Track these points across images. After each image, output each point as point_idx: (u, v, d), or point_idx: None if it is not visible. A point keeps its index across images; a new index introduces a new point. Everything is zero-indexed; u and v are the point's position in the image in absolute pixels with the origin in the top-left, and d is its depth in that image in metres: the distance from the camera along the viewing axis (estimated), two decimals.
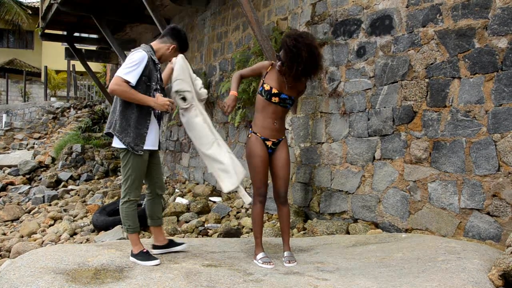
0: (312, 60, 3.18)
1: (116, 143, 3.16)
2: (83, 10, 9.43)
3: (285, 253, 3.36)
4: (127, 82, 2.97)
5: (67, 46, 12.97)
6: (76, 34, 12.43)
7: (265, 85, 3.33)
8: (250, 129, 3.43)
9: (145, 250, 3.17)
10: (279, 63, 3.28)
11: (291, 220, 5.58)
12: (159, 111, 3.22)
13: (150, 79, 3.11)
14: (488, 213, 3.75)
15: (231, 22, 7.78)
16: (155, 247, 3.39)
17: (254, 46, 6.59)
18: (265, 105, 3.34)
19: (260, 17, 6.67)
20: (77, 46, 12.95)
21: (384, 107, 4.71)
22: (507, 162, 3.62)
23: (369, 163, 4.84)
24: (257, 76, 3.51)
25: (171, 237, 3.43)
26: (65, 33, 12.46)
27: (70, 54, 13.07)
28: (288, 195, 5.98)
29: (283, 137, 3.41)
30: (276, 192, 3.46)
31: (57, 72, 22.90)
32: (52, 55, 23.33)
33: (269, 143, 3.36)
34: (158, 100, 3.10)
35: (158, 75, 3.21)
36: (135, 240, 3.21)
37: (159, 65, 3.23)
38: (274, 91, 3.29)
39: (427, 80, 4.29)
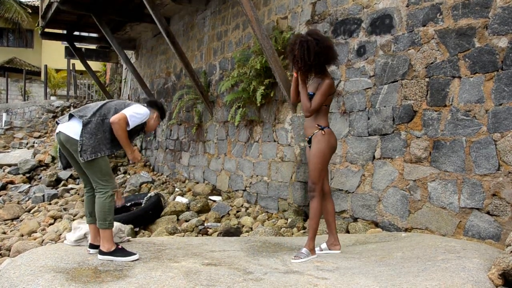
0: (292, 49, 3.42)
1: (76, 135, 3.18)
2: (83, 9, 9.41)
3: (302, 249, 3.39)
4: (127, 124, 3.27)
5: (67, 45, 12.95)
6: (76, 33, 12.40)
7: None
8: None
9: (120, 247, 3.18)
10: None
11: (290, 220, 5.58)
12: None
13: (132, 135, 3.43)
14: (488, 213, 3.75)
15: (231, 21, 7.78)
16: (92, 246, 3.32)
17: (254, 45, 6.58)
18: None
19: (260, 16, 6.66)
20: (77, 45, 12.93)
21: (384, 106, 4.70)
22: (507, 161, 3.62)
23: (369, 162, 4.84)
24: None
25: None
26: (65, 32, 12.44)
27: (70, 53, 13.05)
28: (288, 194, 6.00)
29: (312, 134, 3.48)
30: None
31: (57, 71, 22.86)
32: (52, 54, 23.30)
33: (306, 140, 3.58)
34: (135, 152, 3.46)
35: (136, 135, 3.64)
36: (111, 237, 3.20)
37: (142, 132, 3.60)
38: None
39: (427, 79, 4.29)
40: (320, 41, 3.37)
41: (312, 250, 3.39)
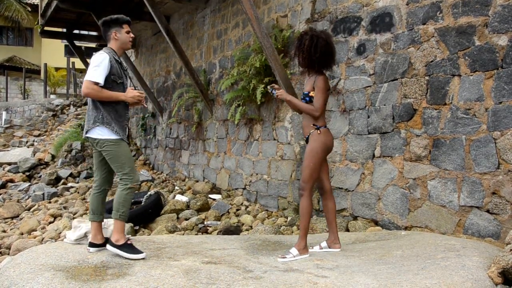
0: (301, 41, 3.53)
1: (106, 135, 3.22)
2: (83, 7, 9.41)
3: (291, 249, 3.38)
4: (96, 84, 3.14)
5: (67, 43, 12.96)
6: (76, 31, 12.40)
7: None
8: None
9: (129, 242, 3.17)
10: None
11: (290, 218, 5.58)
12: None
13: (119, 77, 3.29)
14: (487, 211, 3.75)
15: (231, 19, 7.77)
16: (92, 245, 3.29)
17: (254, 43, 6.58)
18: None
19: (260, 14, 6.66)
20: (77, 43, 12.92)
21: (384, 105, 4.70)
22: (507, 159, 3.62)
23: (369, 160, 4.84)
24: None
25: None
26: (64, 30, 12.44)
27: (70, 51, 13.08)
28: (288, 193, 6.00)
29: (309, 134, 3.51)
30: None
31: (57, 69, 22.84)
32: (51, 52, 23.32)
33: (304, 139, 3.60)
34: (129, 93, 3.28)
35: (124, 72, 3.38)
36: (123, 230, 3.19)
37: (125, 67, 3.43)
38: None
39: (427, 77, 4.29)
40: (328, 46, 3.47)
41: (302, 250, 3.35)
